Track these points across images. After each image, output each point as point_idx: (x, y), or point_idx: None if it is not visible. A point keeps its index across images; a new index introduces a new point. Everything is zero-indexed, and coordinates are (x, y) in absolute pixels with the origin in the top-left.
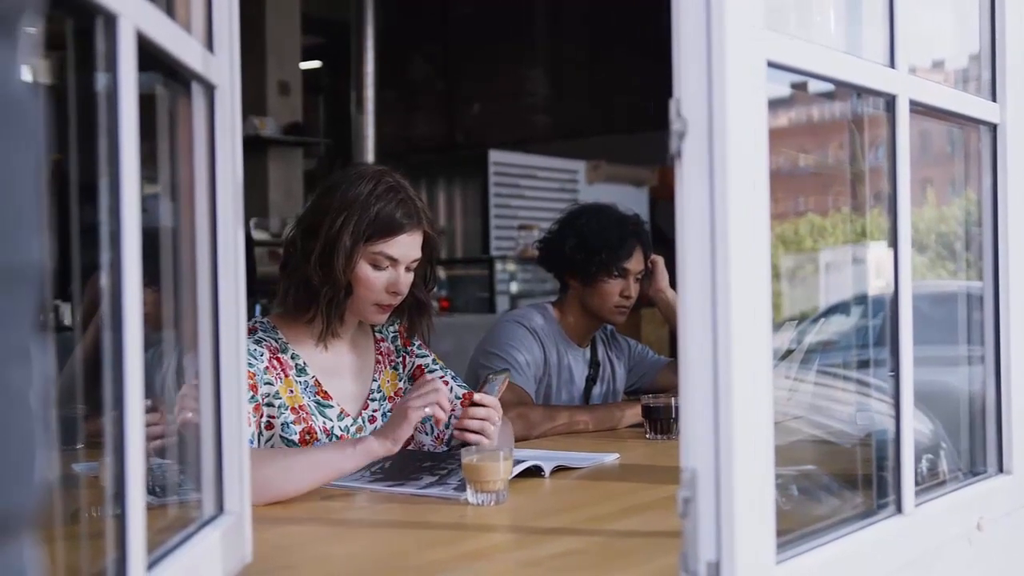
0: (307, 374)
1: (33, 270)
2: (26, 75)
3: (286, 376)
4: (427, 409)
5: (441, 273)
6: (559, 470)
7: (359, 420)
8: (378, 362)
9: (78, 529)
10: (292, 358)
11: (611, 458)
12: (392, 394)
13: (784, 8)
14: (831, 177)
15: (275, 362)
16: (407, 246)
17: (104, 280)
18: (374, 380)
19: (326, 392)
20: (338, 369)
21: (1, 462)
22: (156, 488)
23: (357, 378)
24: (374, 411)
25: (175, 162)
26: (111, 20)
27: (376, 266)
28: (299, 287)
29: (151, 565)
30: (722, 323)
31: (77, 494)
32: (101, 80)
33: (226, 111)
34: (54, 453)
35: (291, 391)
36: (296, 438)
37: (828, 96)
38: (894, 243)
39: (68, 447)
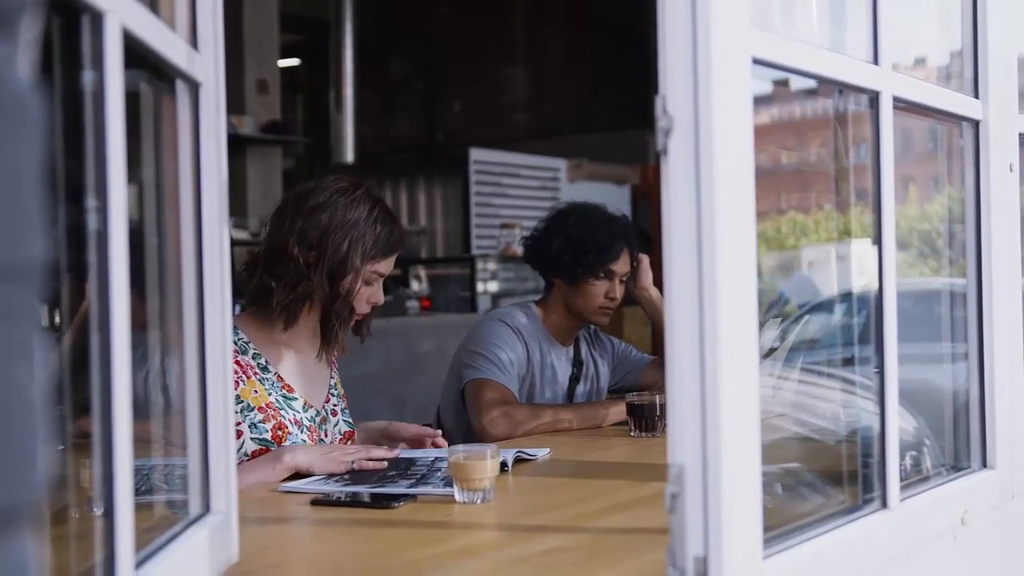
0: (270, 371)
1: (36, 266)
2: (26, 72)
3: (248, 378)
4: (354, 465)
5: (422, 272)
6: (520, 461)
7: (323, 411)
8: (332, 363)
9: (65, 529)
10: (253, 358)
11: (543, 452)
12: (342, 394)
13: (768, 5)
14: (813, 175)
15: (235, 365)
16: (393, 263)
17: (90, 281)
18: (331, 377)
19: (289, 386)
20: (299, 367)
21: (5, 457)
22: (140, 487)
23: (317, 375)
24: (334, 405)
25: (159, 161)
26: (97, 17)
27: (367, 282)
28: (301, 300)
29: (139, 564)
30: (709, 319)
31: (62, 494)
32: (87, 78)
33: (211, 109)
34: (54, 449)
35: (255, 391)
36: (268, 435)
37: (810, 93)
38: (878, 240)
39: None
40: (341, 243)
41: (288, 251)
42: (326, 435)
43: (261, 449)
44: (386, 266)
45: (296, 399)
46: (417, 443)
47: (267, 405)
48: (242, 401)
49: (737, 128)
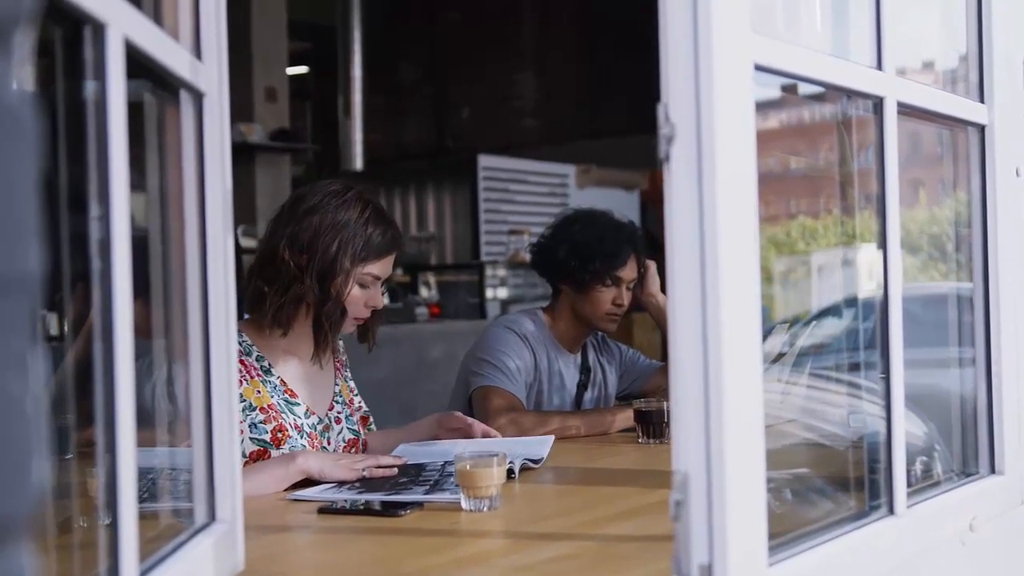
0: (273, 375)
1: (31, 278)
2: (21, 84)
3: (252, 378)
4: (364, 472)
5: (431, 279)
6: (525, 470)
7: (326, 419)
8: (337, 369)
9: (71, 538)
10: (257, 360)
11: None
12: (347, 401)
13: (771, 10)
14: (822, 179)
15: (239, 365)
16: (390, 265)
17: (94, 290)
18: (336, 384)
19: (292, 391)
20: (303, 374)
21: (0, 468)
22: (144, 494)
23: (321, 382)
24: (338, 413)
25: (163, 170)
26: (99, 28)
27: (362, 285)
28: (293, 303)
29: (143, 573)
30: (712, 326)
31: (68, 503)
32: (89, 88)
33: (215, 119)
34: (50, 460)
35: (258, 392)
36: (268, 437)
37: (818, 98)
38: (883, 244)
39: (59, 457)
40: (331, 244)
41: (279, 254)
42: (329, 443)
43: (259, 451)
44: (380, 268)
45: (299, 405)
46: (465, 434)
47: (269, 406)
48: (244, 400)
49: (739, 134)
